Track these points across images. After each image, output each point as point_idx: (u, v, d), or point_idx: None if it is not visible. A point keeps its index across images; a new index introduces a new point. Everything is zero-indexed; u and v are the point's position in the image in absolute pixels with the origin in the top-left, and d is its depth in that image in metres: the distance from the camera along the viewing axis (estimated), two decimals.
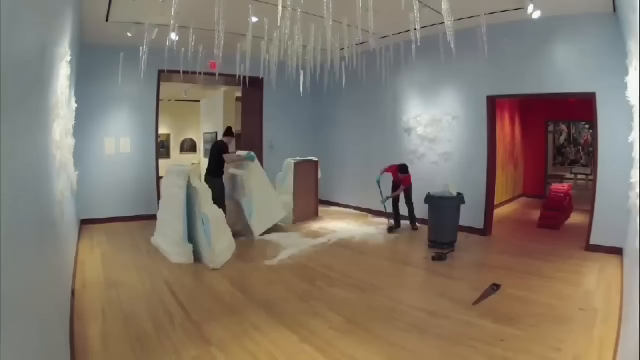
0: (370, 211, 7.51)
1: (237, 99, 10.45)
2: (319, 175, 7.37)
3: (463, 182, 6.08)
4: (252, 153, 5.93)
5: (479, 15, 4.99)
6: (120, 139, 6.81)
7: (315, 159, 7.38)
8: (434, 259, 4.67)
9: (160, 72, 6.90)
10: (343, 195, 8.38)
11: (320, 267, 4.44)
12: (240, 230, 5.77)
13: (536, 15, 4.64)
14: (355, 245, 5.44)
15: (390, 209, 6.32)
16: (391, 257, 5.06)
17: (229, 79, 7.60)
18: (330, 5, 3.95)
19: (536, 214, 6.83)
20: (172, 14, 4.05)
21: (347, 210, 8.05)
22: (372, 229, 6.40)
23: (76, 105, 4.82)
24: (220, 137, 6.69)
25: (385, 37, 6.23)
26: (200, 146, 13.36)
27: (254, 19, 5.00)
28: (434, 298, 3.61)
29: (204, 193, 4.56)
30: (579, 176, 9.56)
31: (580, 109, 8.04)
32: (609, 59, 4.54)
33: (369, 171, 7.39)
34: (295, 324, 3.02)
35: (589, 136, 9.34)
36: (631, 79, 3.05)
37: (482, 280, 4.15)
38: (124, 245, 5.32)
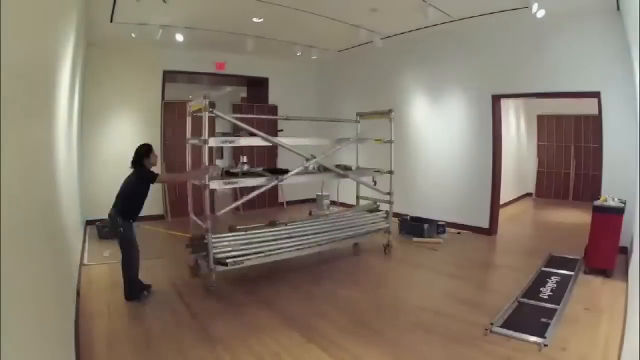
0: None
1: (242, 99, 10.46)
2: None
3: (468, 182, 6.06)
4: None
5: (483, 15, 4.98)
6: (125, 139, 6.82)
7: None
8: None
9: (165, 72, 6.93)
10: (343, 195, 8.36)
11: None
12: None
13: (540, 14, 4.61)
14: None
15: None
16: None
17: (234, 79, 7.63)
18: (335, 5, 3.96)
19: (540, 213, 6.79)
20: (177, 15, 4.07)
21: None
22: None
23: (79, 106, 4.85)
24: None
25: (388, 37, 6.22)
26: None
27: (258, 19, 5.01)
28: (439, 297, 3.60)
29: None
30: None
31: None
32: (614, 57, 4.50)
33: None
34: (300, 323, 3.02)
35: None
36: (635, 78, 3.04)
37: (488, 279, 4.14)
38: None
